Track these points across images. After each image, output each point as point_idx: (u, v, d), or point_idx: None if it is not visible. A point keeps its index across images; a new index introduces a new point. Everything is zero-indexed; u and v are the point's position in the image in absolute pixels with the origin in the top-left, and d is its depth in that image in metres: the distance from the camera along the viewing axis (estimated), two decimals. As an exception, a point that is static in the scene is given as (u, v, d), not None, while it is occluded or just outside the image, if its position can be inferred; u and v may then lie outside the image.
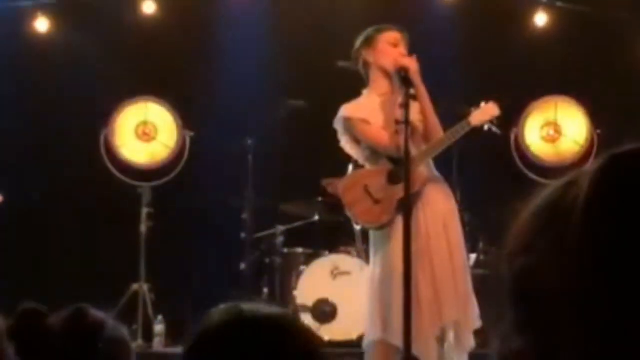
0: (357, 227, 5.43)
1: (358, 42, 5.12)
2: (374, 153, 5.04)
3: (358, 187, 5.06)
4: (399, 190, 4.85)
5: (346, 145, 5.12)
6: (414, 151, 4.83)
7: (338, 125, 5.11)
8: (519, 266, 0.96)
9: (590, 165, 0.95)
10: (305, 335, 1.33)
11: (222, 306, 1.36)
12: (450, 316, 4.82)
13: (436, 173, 5.07)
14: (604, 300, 0.89)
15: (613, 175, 0.93)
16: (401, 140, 4.76)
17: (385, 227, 4.95)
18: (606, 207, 0.91)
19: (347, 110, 5.06)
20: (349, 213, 5.19)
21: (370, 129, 5.00)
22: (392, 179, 4.97)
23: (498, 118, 4.97)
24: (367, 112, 5.01)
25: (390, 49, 5.00)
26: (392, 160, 4.98)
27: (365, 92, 5.11)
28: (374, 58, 5.04)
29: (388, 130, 4.93)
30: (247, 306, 1.38)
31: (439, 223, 4.90)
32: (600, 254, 0.90)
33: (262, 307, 1.40)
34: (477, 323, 4.82)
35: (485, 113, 4.93)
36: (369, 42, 5.06)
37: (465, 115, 4.95)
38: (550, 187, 0.99)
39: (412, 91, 4.80)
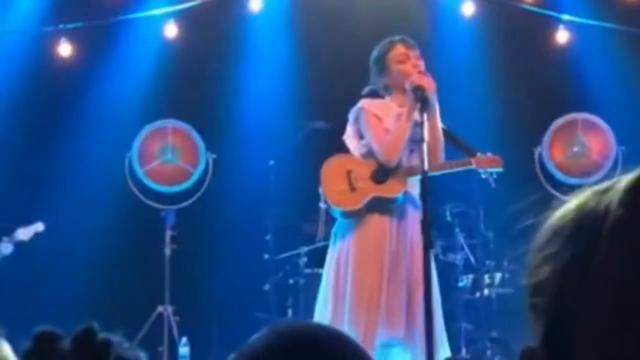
0: (323, 206, 5.40)
1: (372, 67, 5.11)
2: (370, 153, 5.02)
3: (341, 169, 5.11)
4: (377, 189, 4.92)
5: (348, 136, 5.13)
6: (413, 163, 4.85)
7: (351, 114, 5.12)
8: (543, 276, 0.95)
9: (620, 177, 0.94)
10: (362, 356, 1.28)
11: (270, 328, 1.24)
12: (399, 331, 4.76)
13: (414, 192, 4.99)
14: (625, 311, 0.88)
15: None
16: (414, 158, 4.82)
17: (350, 216, 4.97)
18: (636, 225, 0.89)
19: (365, 102, 5.08)
20: (322, 189, 5.21)
21: (376, 126, 4.98)
22: (376, 176, 4.98)
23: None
24: (382, 112, 5.01)
25: (401, 68, 4.98)
26: (381, 165, 4.98)
27: (387, 97, 5.10)
28: (390, 81, 5.03)
29: (389, 133, 4.92)
30: (299, 326, 1.28)
31: (409, 242, 4.87)
32: (633, 264, 0.89)
33: (313, 327, 1.29)
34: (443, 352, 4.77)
35: (489, 163, 4.94)
36: (380, 67, 5.05)
37: (471, 153, 4.95)
38: (580, 195, 0.98)
39: (427, 110, 4.78)
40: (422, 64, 4.98)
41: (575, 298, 0.91)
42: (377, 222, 4.90)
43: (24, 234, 7.08)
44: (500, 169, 4.95)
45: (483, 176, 4.94)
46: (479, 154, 4.94)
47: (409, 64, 4.96)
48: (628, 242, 0.89)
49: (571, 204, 0.97)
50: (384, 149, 4.92)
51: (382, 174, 4.97)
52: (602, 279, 0.89)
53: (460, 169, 4.96)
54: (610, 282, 0.89)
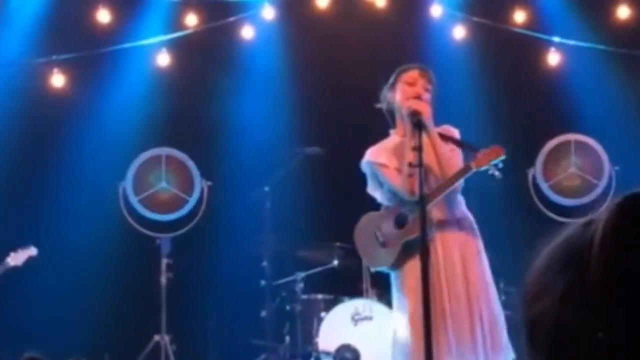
0: (372, 270, 5.54)
1: (387, 81, 5.18)
2: (395, 195, 5.07)
3: (367, 232, 5.20)
4: (403, 234, 4.98)
5: (371, 189, 5.18)
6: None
7: (364, 168, 5.18)
8: (537, 310, 0.96)
9: (605, 207, 0.98)
10: None
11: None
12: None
13: (457, 213, 5.03)
14: (627, 334, 0.89)
15: (630, 215, 0.95)
16: (415, 183, 4.80)
17: (396, 268, 5.02)
18: (625, 244, 0.92)
19: (369, 154, 5.13)
20: (362, 257, 5.40)
21: (387, 172, 5.04)
22: (399, 221, 5.05)
23: (504, 161, 4.89)
24: (385, 156, 5.05)
25: (405, 89, 5.01)
26: (400, 211, 5.05)
27: (392, 132, 5.13)
28: (393, 99, 5.06)
29: (402, 172, 4.95)
30: None
31: (455, 267, 4.88)
32: (623, 288, 0.90)
33: None
34: None
35: (487, 156, 4.84)
36: (391, 83, 5.09)
37: (472, 156, 4.94)
38: (566, 230, 1.00)
39: (424, 135, 4.80)
40: (426, 95, 5.00)
41: (574, 326, 0.92)
42: (417, 263, 4.86)
43: (15, 259, 7.04)
44: (503, 157, 4.82)
45: (490, 172, 4.84)
46: (478, 154, 4.86)
47: (412, 89, 4.99)
48: (613, 266, 0.91)
49: (558, 238, 1.00)
50: (404, 188, 4.94)
51: (402, 218, 5.04)
52: (595, 304, 0.91)
53: (464, 177, 4.90)
54: (609, 294, 0.90)
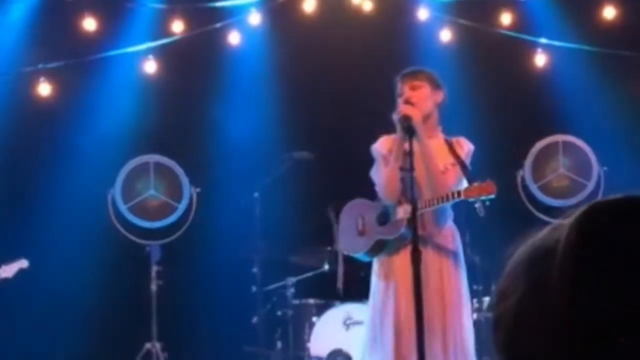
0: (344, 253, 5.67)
1: None
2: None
3: (352, 215, 5.35)
4: (380, 231, 5.11)
5: (372, 172, 5.20)
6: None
7: (372, 153, 5.22)
8: (501, 310, 0.98)
9: (573, 214, 1.00)
10: None
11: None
12: None
13: (441, 227, 5.03)
14: (579, 335, 0.91)
15: (591, 223, 0.98)
16: (395, 187, 4.93)
17: (371, 257, 5.18)
18: (584, 251, 0.95)
19: (379, 141, 5.17)
20: (336, 236, 5.59)
21: (381, 165, 5.09)
22: (381, 217, 5.14)
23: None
24: (389, 149, 5.08)
25: (399, 102, 5.05)
26: (384, 207, 5.14)
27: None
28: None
29: (387, 178, 4.99)
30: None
31: (430, 279, 4.89)
32: (577, 292, 0.93)
33: None
34: None
35: (478, 190, 4.79)
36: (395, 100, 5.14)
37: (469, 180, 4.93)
38: (538, 232, 1.02)
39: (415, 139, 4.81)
40: (412, 95, 5.02)
41: (530, 329, 0.94)
42: (389, 261, 5.07)
43: (6, 271, 7.02)
44: (493, 196, 4.77)
45: (476, 205, 4.82)
46: (472, 184, 4.83)
47: (401, 100, 5.03)
48: (576, 269, 0.93)
49: (527, 242, 1.03)
50: (384, 188, 5.04)
51: (385, 216, 5.13)
52: (554, 306, 0.92)
53: (448, 203, 4.93)
54: (563, 307, 0.92)
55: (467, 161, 5.03)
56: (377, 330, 5.02)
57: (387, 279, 5.06)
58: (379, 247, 5.11)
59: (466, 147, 5.09)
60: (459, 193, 4.84)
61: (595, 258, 0.94)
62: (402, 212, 4.99)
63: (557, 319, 0.93)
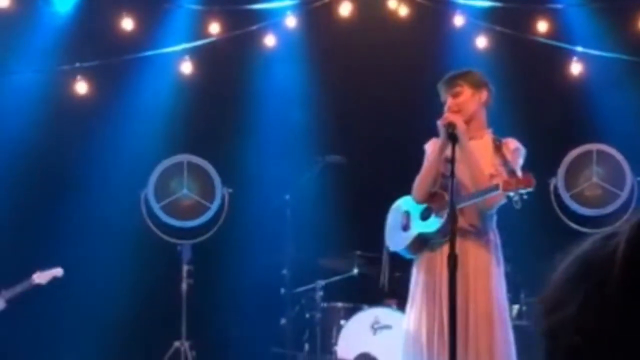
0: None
1: None
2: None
3: (400, 211, 5.34)
4: (420, 226, 5.13)
5: None
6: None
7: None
8: (556, 320, 0.97)
9: (626, 220, 0.98)
10: None
11: None
12: None
13: (473, 227, 5.02)
14: None
15: None
16: (425, 190, 5.00)
17: (411, 254, 5.21)
18: None
19: (429, 142, 5.19)
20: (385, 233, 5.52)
21: (424, 164, 5.12)
22: (424, 214, 5.17)
23: (528, 192, 4.82)
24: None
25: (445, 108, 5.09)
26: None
27: None
28: None
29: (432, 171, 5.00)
30: None
31: (467, 278, 4.87)
32: None
33: None
34: None
35: (517, 183, 4.73)
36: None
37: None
38: (586, 242, 1.01)
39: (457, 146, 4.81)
40: (453, 103, 5.03)
41: (594, 335, 0.93)
42: (426, 258, 5.08)
43: (40, 277, 7.10)
44: (531, 189, 4.72)
45: (513, 198, 4.74)
46: (512, 177, 4.79)
47: (445, 107, 5.07)
48: (637, 275, 0.92)
49: (577, 250, 1.02)
50: (417, 187, 5.08)
51: (428, 212, 5.14)
52: (619, 305, 0.92)
53: (486, 195, 4.88)
54: (629, 304, 0.91)
55: (516, 161, 4.99)
56: (409, 335, 5.07)
57: (416, 282, 5.07)
58: (420, 243, 5.10)
59: (512, 146, 5.05)
60: (496, 186, 4.78)
61: None
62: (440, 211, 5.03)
63: (618, 329, 0.92)
